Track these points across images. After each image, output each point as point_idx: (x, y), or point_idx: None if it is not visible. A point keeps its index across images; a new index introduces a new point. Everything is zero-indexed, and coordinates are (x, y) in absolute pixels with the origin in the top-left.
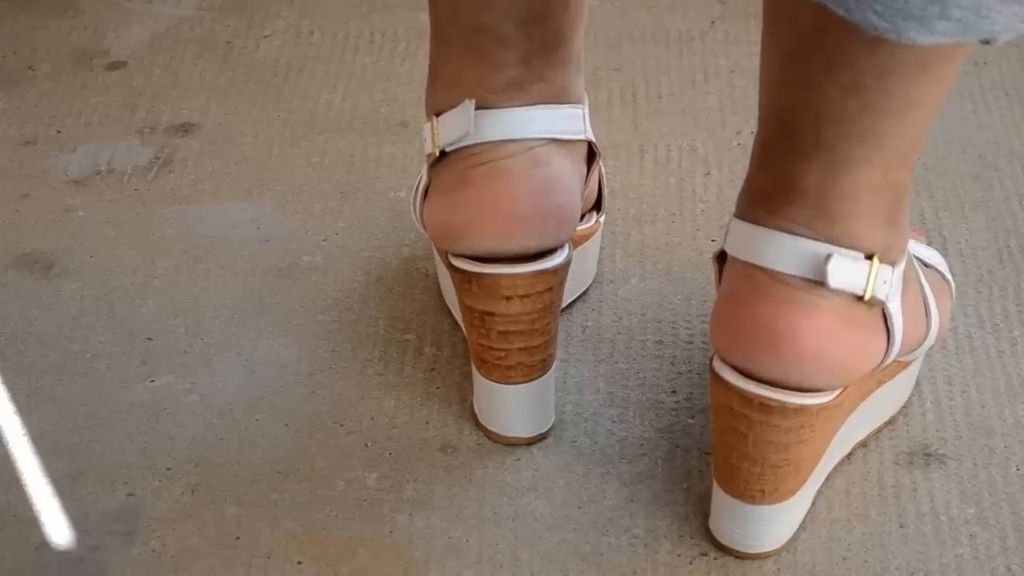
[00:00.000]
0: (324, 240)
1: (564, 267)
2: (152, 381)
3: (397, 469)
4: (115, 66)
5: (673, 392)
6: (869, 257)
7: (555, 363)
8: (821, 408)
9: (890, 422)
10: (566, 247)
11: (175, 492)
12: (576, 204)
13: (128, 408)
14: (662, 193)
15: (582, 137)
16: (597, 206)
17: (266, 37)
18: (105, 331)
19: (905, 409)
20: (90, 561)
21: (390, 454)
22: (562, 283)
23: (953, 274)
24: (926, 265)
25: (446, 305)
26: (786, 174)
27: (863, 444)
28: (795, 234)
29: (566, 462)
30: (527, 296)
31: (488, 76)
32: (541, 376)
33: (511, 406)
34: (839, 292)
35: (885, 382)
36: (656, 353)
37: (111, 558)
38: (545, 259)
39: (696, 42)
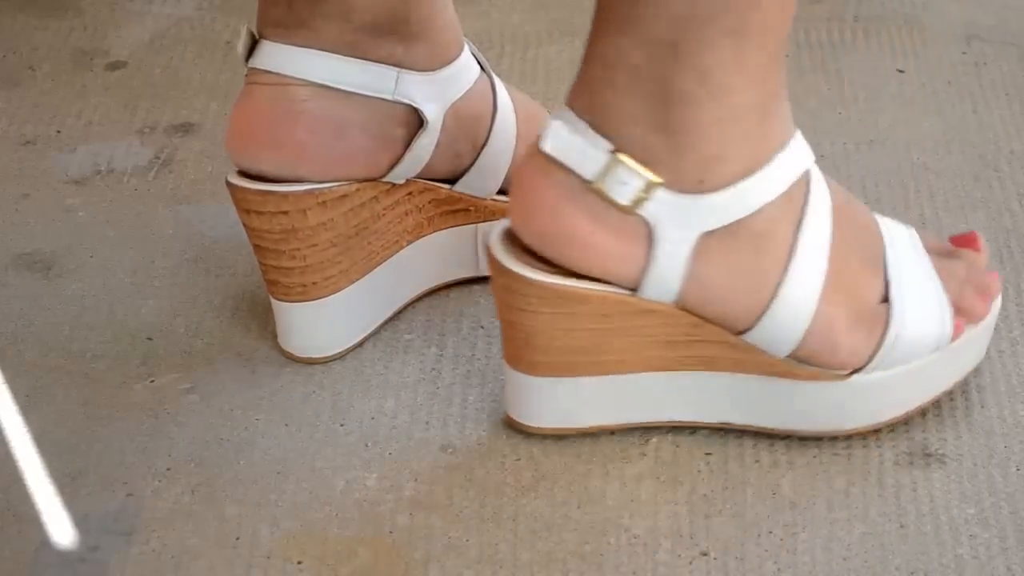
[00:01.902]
0: None
1: (298, 196)
2: (152, 381)
3: (397, 469)
4: (115, 66)
5: None
6: (615, 151)
7: (341, 295)
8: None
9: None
10: (316, 185)
11: (175, 492)
12: (334, 150)
13: (128, 408)
14: None
15: (384, 96)
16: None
17: None
18: (105, 331)
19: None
20: (90, 561)
21: (390, 454)
22: (303, 213)
23: None
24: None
25: (446, 305)
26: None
27: (863, 442)
28: (571, 108)
29: (566, 462)
30: (261, 213)
31: (264, 11)
32: (305, 300)
33: (282, 321)
34: (565, 168)
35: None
36: None
37: (111, 558)
38: (281, 184)
39: None
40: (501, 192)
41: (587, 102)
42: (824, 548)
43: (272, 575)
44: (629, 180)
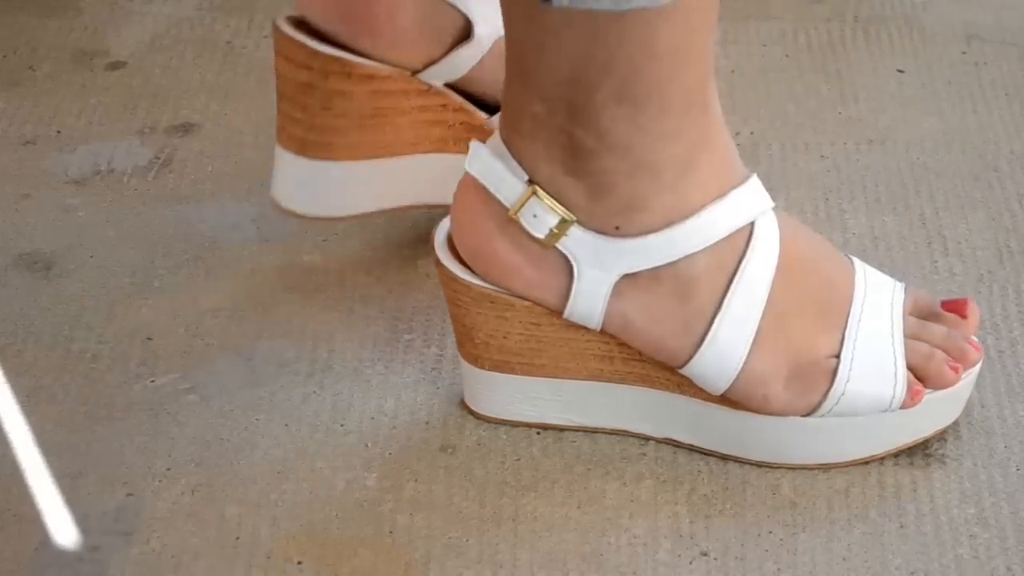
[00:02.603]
0: (324, 240)
1: (326, 58)
2: (152, 381)
3: (397, 469)
4: (115, 66)
5: None
6: (530, 183)
7: (337, 164)
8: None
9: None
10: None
11: (175, 492)
12: (380, 27)
13: (128, 408)
14: None
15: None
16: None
17: (266, 37)
18: (105, 331)
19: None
20: (90, 561)
21: (390, 454)
22: (325, 75)
23: (953, 274)
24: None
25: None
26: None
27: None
28: (500, 132)
29: (566, 462)
30: (289, 60)
31: None
32: (299, 154)
33: (277, 168)
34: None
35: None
36: None
37: (111, 558)
38: (317, 41)
39: None
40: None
41: (506, 134)
42: (824, 548)
43: (272, 575)
44: (543, 215)
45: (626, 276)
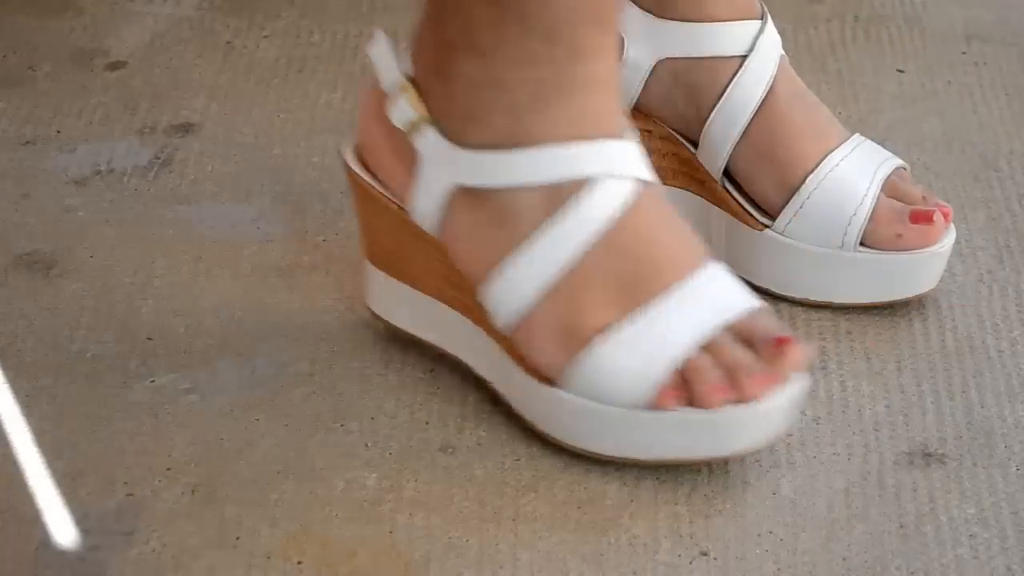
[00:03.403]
0: (324, 240)
1: None
2: (152, 381)
3: (397, 469)
4: (115, 66)
5: None
6: (407, 78)
7: None
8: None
9: None
10: None
11: (175, 492)
12: None
13: (128, 408)
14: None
15: None
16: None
17: (266, 37)
18: (105, 331)
19: (905, 409)
20: (90, 561)
21: (390, 454)
22: None
23: (953, 274)
24: None
25: None
26: None
27: (864, 445)
28: None
29: (566, 462)
30: None
31: None
32: None
33: None
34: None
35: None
36: None
37: (111, 558)
38: None
39: None
40: (729, 178)
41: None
42: (824, 548)
43: (272, 575)
44: (406, 110)
45: (463, 190)
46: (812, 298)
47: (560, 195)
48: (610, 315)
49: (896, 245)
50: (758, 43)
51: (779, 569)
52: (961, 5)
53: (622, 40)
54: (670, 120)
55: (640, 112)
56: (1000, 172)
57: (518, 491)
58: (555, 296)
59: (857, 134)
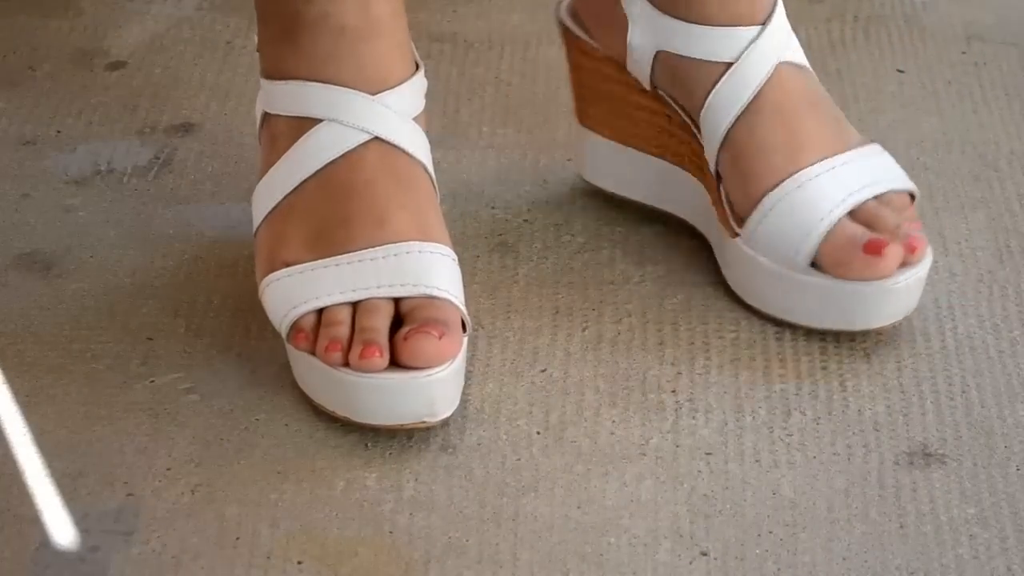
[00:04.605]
0: None
1: (569, 35)
2: (152, 381)
3: (397, 469)
4: (115, 66)
5: (673, 392)
6: None
7: (589, 132)
8: None
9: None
10: None
11: (175, 492)
12: (589, 8)
13: (128, 408)
14: None
15: None
16: None
17: None
18: (105, 331)
19: (905, 409)
20: (90, 561)
21: (390, 454)
22: (569, 50)
23: (953, 274)
24: None
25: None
26: None
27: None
28: None
29: (566, 462)
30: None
31: None
32: (576, 120)
33: None
34: None
35: None
36: (656, 353)
37: (111, 558)
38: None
39: None
40: (719, 178)
41: None
42: (824, 548)
43: (272, 575)
44: None
45: None
46: (772, 314)
47: (303, 127)
48: (298, 254)
49: (843, 273)
50: (747, 52)
51: (779, 569)
52: (961, 5)
53: (624, 20)
54: (682, 108)
55: (660, 96)
56: (1000, 172)
57: (518, 491)
58: (280, 211)
59: (874, 145)
